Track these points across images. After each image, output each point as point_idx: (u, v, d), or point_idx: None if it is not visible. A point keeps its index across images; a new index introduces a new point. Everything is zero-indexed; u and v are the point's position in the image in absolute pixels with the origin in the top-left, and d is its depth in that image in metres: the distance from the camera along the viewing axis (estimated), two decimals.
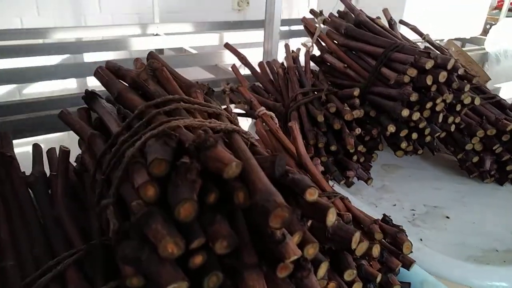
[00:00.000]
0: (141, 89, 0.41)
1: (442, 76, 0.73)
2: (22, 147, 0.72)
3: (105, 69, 0.44)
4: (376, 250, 0.44)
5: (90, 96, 0.47)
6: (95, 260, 0.39)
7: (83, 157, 0.43)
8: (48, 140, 0.83)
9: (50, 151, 0.53)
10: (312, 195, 0.32)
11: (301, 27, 1.09)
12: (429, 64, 0.73)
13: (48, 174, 0.50)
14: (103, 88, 0.45)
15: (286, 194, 0.33)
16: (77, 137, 0.46)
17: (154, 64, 0.42)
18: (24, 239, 0.42)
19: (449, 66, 0.73)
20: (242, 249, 0.30)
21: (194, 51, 1.68)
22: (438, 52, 0.78)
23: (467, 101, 0.78)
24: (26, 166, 0.51)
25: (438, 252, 0.64)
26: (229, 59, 1.40)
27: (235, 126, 0.36)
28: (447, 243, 0.69)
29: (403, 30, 0.99)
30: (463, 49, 1.79)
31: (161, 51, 1.80)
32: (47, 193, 0.47)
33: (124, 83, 0.43)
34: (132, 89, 0.41)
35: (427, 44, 0.94)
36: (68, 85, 1.79)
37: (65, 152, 0.48)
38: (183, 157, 0.28)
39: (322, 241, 0.41)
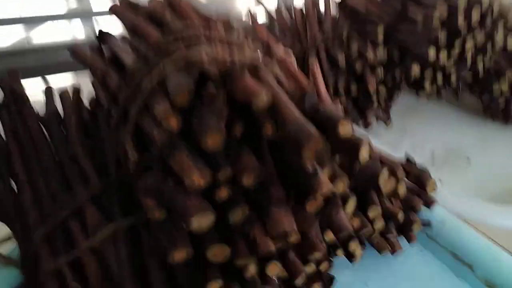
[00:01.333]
0: (158, 22, 0.38)
1: (475, 15, 0.68)
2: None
3: (121, 3, 0.41)
4: (401, 189, 0.42)
5: (103, 36, 0.44)
6: (111, 196, 0.38)
7: (97, 94, 0.41)
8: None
9: (63, 92, 0.51)
10: (344, 129, 0.29)
11: None
12: (462, 2, 0.67)
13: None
14: None
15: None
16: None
17: None
18: (40, 176, 0.41)
19: (484, 4, 0.68)
20: (269, 183, 0.28)
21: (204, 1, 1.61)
22: None
23: (500, 41, 0.73)
24: None
25: (458, 192, 0.63)
26: (243, 5, 1.34)
27: (260, 59, 0.33)
28: (466, 184, 0.67)
29: None
30: None
31: None
32: (61, 132, 0.46)
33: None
34: (149, 22, 0.38)
35: None
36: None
37: (77, 90, 0.46)
38: (208, 87, 0.26)
39: (349, 179, 0.39)
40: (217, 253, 0.28)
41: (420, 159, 0.73)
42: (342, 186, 0.31)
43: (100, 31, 0.40)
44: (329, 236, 0.37)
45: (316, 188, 0.26)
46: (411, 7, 0.73)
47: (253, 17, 0.94)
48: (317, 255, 0.34)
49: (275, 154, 0.29)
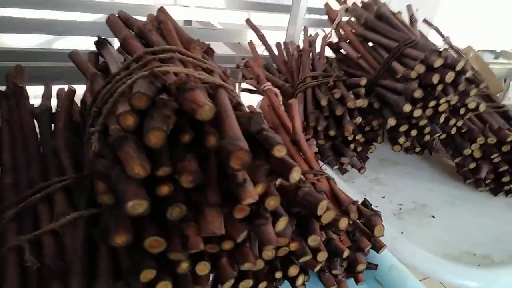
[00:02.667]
0: (145, 39, 0.44)
1: (449, 76, 0.74)
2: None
3: (116, 16, 0.47)
4: (343, 223, 0.46)
5: (101, 42, 0.50)
6: (82, 189, 0.42)
7: (85, 95, 0.47)
8: None
9: (60, 90, 0.56)
10: (279, 151, 0.34)
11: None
12: (438, 63, 0.73)
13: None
14: None
15: (259, 150, 0.36)
16: None
17: (161, 17, 0.45)
18: (23, 162, 0.46)
19: (458, 68, 0.74)
20: (207, 188, 0.32)
21: (220, 27, 1.71)
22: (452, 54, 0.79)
23: (471, 105, 0.78)
24: None
25: (416, 245, 0.66)
26: (253, 39, 1.43)
27: (223, 82, 0.39)
28: (427, 240, 0.70)
29: (432, 35, 0.98)
30: (494, 61, 1.75)
31: (189, 23, 1.83)
32: (50, 126, 0.51)
33: (131, 31, 0.45)
34: (137, 37, 0.44)
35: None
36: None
37: (71, 91, 0.51)
38: (160, 95, 0.31)
39: (290, 204, 0.43)
40: (154, 244, 0.32)
41: (387, 210, 0.77)
42: (273, 203, 0.35)
43: (99, 38, 0.46)
44: (267, 254, 0.40)
45: (242, 196, 0.31)
46: (394, 64, 0.79)
47: (254, 50, 1.01)
48: (248, 266, 0.37)
49: (220, 164, 0.34)
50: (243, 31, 1.57)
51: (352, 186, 0.80)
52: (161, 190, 0.31)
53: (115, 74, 0.39)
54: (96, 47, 0.50)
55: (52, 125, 0.51)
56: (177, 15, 1.73)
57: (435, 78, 0.73)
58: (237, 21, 1.86)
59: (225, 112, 0.33)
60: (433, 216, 0.76)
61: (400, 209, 0.77)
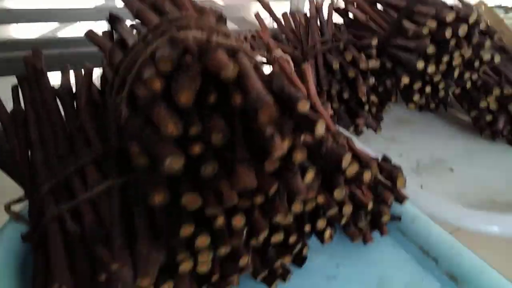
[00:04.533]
0: (159, 9, 0.45)
1: (462, 29, 0.73)
2: None
3: None
4: (367, 175, 0.47)
5: (113, 18, 0.51)
6: (110, 159, 0.44)
7: (104, 70, 0.48)
8: None
9: (77, 72, 0.57)
10: (303, 106, 0.35)
11: None
12: (450, 17, 0.73)
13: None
14: None
15: (282, 107, 0.37)
16: None
17: None
18: (51, 139, 0.47)
19: (471, 20, 0.73)
20: (236, 145, 0.34)
21: (221, 3, 1.70)
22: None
23: (486, 57, 0.78)
24: None
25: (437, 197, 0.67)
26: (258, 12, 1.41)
27: (242, 45, 0.39)
28: (447, 192, 0.71)
29: None
30: (505, 15, 1.71)
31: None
32: (73, 105, 0.52)
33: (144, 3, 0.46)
34: (151, 9, 0.45)
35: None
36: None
37: (89, 69, 0.53)
38: (186, 58, 0.32)
39: (315, 159, 0.45)
40: (191, 200, 0.34)
41: (405, 167, 0.77)
42: (300, 156, 0.36)
43: (111, 15, 0.47)
44: (296, 207, 0.42)
45: (272, 150, 0.32)
46: (405, 22, 0.79)
47: (261, 20, 1.01)
48: (280, 218, 0.39)
49: (243, 121, 0.35)
50: (246, 6, 1.56)
51: (369, 147, 0.80)
52: (193, 149, 0.32)
53: (134, 45, 0.40)
54: (110, 23, 0.51)
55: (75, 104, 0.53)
56: None
57: (448, 33, 0.73)
58: None
59: (247, 71, 0.34)
60: (451, 170, 0.77)
61: (418, 165, 0.78)
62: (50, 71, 0.55)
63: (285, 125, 0.35)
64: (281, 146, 0.32)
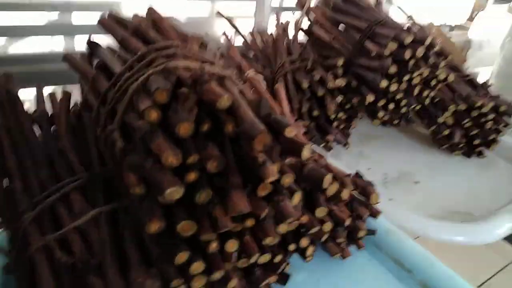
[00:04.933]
0: (142, 37, 0.45)
1: (420, 51, 0.78)
2: None
3: (109, 18, 0.48)
4: (345, 193, 0.50)
5: (93, 44, 0.51)
6: (96, 186, 0.44)
7: (86, 97, 0.48)
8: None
9: (52, 95, 0.56)
10: (290, 132, 0.37)
11: (294, 2, 1.13)
12: (408, 39, 0.78)
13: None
14: None
15: (269, 133, 0.38)
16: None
17: (154, 15, 0.46)
18: (30, 165, 0.46)
19: (427, 42, 0.78)
20: (229, 171, 0.35)
21: (182, 19, 1.69)
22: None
23: (442, 76, 0.84)
24: None
25: (405, 210, 0.71)
26: (220, 28, 1.43)
27: (227, 72, 0.41)
28: (413, 204, 0.75)
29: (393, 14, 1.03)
30: (450, 33, 1.84)
31: None
32: (50, 129, 0.51)
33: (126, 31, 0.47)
34: (134, 36, 0.45)
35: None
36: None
37: (67, 93, 0.52)
38: (182, 89, 0.33)
39: (297, 180, 0.46)
40: (186, 227, 0.35)
41: (374, 180, 0.81)
42: (288, 180, 0.37)
43: (90, 41, 0.47)
44: (282, 228, 0.43)
45: (265, 176, 0.33)
46: (367, 43, 0.83)
47: (229, 40, 1.03)
48: (270, 240, 0.40)
49: (235, 148, 0.36)
50: (208, 21, 1.56)
51: (340, 162, 0.84)
52: (188, 177, 0.33)
53: (121, 73, 0.40)
54: (89, 47, 0.51)
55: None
56: (137, 9, 1.69)
57: (407, 54, 0.78)
58: (201, 12, 1.84)
59: (237, 100, 0.35)
60: (417, 182, 0.82)
61: (386, 178, 0.82)
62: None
63: (274, 150, 0.37)
64: (273, 172, 0.34)
